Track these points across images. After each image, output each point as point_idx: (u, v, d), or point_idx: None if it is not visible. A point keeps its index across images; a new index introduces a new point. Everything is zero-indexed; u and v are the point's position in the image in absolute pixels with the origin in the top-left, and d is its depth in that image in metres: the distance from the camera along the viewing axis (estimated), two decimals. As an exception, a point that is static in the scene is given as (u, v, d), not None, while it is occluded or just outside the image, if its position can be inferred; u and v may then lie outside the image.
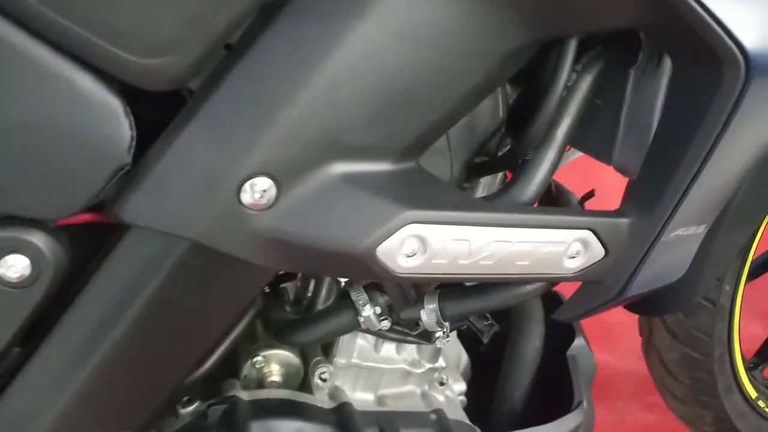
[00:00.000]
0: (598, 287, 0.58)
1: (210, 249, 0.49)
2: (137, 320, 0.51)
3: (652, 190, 0.54)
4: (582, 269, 0.55)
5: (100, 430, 0.55)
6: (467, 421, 0.75)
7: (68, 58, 0.42)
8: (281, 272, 0.75)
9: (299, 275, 0.74)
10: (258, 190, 0.47)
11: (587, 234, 0.54)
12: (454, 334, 0.84)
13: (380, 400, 0.74)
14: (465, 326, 0.69)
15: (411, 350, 0.75)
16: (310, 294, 0.69)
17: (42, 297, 0.48)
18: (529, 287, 0.60)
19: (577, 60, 0.55)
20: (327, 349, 0.73)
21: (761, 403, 1.01)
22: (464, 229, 0.50)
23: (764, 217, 0.83)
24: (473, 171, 0.61)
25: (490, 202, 0.53)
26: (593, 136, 0.63)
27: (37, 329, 0.51)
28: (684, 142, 0.51)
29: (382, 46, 0.46)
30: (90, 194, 0.46)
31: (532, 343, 0.80)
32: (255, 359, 0.70)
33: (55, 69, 0.42)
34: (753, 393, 1.00)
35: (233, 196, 0.46)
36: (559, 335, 0.82)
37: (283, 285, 0.74)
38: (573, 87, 0.54)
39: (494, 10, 0.46)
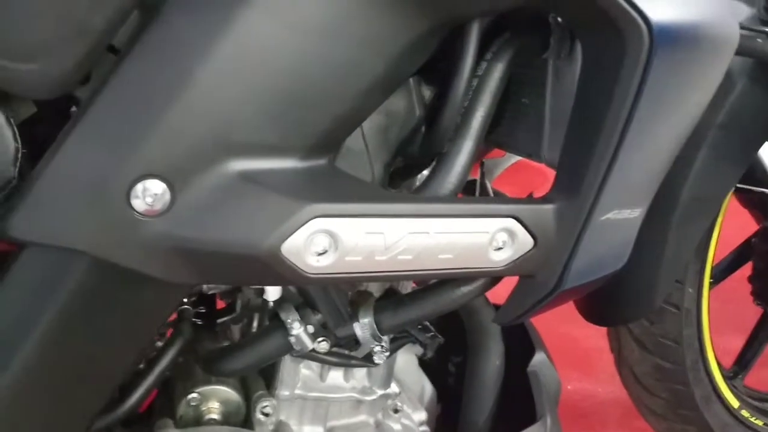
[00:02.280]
0: (533, 282, 0.55)
1: (109, 264, 0.46)
2: (37, 347, 0.48)
3: (574, 173, 0.52)
4: (511, 261, 0.52)
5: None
6: (426, 450, 0.71)
7: None
8: (214, 304, 0.72)
9: (237, 311, 0.71)
10: (150, 194, 0.44)
11: (511, 222, 0.51)
12: (416, 364, 0.81)
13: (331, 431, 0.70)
14: (406, 341, 0.66)
15: (361, 377, 0.71)
16: (242, 323, 0.66)
17: None
18: (466, 288, 0.57)
19: (488, 49, 0.54)
20: (269, 382, 0.70)
21: (745, 413, 0.97)
22: (377, 221, 0.47)
23: (716, 213, 0.82)
24: (397, 174, 0.59)
25: (404, 194, 0.51)
26: (523, 136, 0.62)
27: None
28: (598, 120, 0.50)
29: (271, 37, 0.44)
30: None
31: (492, 363, 0.76)
32: (190, 396, 0.66)
33: None
34: (735, 403, 0.96)
35: (123, 202, 0.44)
36: (521, 351, 0.79)
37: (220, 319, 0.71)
38: (484, 76, 0.53)
39: (377, 5, 0.45)
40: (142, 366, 0.61)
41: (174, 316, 0.66)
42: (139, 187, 0.44)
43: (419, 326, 0.65)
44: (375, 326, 0.59)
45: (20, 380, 0.48)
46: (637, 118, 0.49)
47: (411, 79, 0.56)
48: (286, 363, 0.67)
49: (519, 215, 0.52)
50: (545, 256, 0.53)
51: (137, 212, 0.44)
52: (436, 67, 0.54)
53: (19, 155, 0.44)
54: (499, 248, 0.52)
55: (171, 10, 0.43)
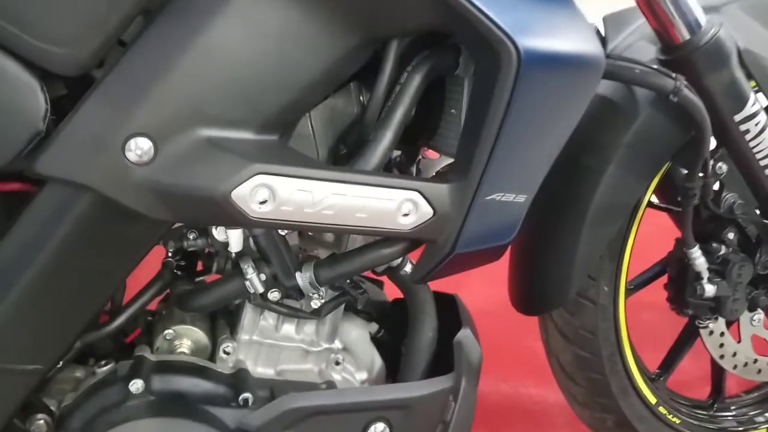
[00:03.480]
0: (434, 246, 0.70)
1: (107, 200, 0.62)
2: (48, 263, 0.64)
3: (464, 162, 0.68)
4: (416, 226, 0.67)
5: (13, 362, 0.66)
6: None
7: None
8: (195, 264, 0.87)
9: (213, 270, 0.86)
10: (139, 148, 0.61)
11: (415, 195, 0.67)
12: (368, 339, 0.95)
13: (279, 373, 0.84)
14: (343, 298, 0.80)
15: (310, 332, 0.86)
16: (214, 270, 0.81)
17: None
18: (388, 249, 0.72)
19: (410, 62, 0.70)
20: (233, 329, 0.84)
21: (662, 409, 1.07)
22: (306, 182, 0.63)
23: (623, 220, 0.95)
24: (339, 158, 0.74)
25: (332, 166, 0.66)
26: (452, 140, 0.77)
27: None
28: (480, 122, 0.66)
29: (236, 37, 0.61)
30: (12, 152, 0.60)
31: (426, 335, 0.89)
32: (166, 332, 0.81)
33: None
34: (652, 399, 1.07)
35: (120, 153, 0.60)
36: (452, 327, 0.92)
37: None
38: (404, 84, 0.69)
39: (320, 17, 0.62)
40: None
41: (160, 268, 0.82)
42: (132, 142, 0.60)
43: (351, 283, 0.80)
44: (314, 277, 0.75)
45: (27, 293, 0.64)
46: (509, 123, 0.65)
47: (352, 84, 0.73)
48: (248, 313, 0.83)
49: (422, 190, 0.67)
50: (442, 224, 0.68)
51: (129, 161, 0.61)
52: (371, 75, 0.71)
53: (48, 114, 0.61)
54: (406, 215, 0.68)
55: (165, 17, 0.60)
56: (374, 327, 0.93)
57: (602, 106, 0.94)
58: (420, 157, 0.84)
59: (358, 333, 0.92)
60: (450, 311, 0.92)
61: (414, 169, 0.82)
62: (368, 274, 0.91)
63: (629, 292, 1.04)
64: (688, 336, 1.11)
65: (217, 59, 0.61)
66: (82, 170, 0.61)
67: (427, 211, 0.68)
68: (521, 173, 0.70)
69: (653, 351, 1.21)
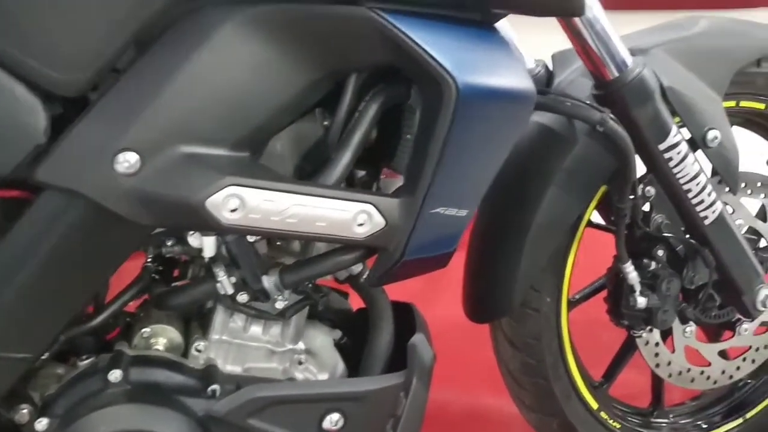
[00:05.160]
0: (386, 253, 0.80)
1: (98, 207, 0.71)
2: (42, 262, 0.73)
3: (412, 178, 0.78)
4: (369, 235, 0.77)
5: (5, 350, 0.73)
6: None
7: (4, 70, 0.67)
8: (172, 270, 0.95)
9: (188, 276, 0.94)
10: (127, 160, 0.70)
11: (369, 207, 0.76)
12: (332, 345, 1.02)
13: (246, 371, 0.92)
14: (306, 302, 0.88)
15: (275, 334, 0.94)
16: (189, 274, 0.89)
17: None
18: (346, 256, 0.82)
19: (368, 92, 0.80)
20: (205, 330, 0.92)
21: (603, 415, 1.16)
22: (272, 193, 0.72)
23: (562, 237, 1.04)
24: (306, 177, 0.83)
25: (296, 180, 0.76)
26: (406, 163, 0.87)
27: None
28: (426, 145, 0.76)
29: (214, 69, 0.71)
30: (14, 162, 0.68)
31: (383, 339, 0.98)
32: (144, 330, 0.89)
33: None
34: (594, 404, 1.15)
35: (110, 164, 0.69)
36: (407, 332, 1.01)
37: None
38: (362, 111, 0.79)
39: (288, 54, 0.72)
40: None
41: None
42: (121, 156, 0.70)
43: (313, 287, 0.88)
44: (279, 281, 0.83)
45: (22, 288, 0.72)
46: (450, 147, 0.75)
47: (317, 110, 0.83)
48: (219, 314, 0.91)
49: (375, 202, 0.77)
50: (392, 234, 0.78)
51: (118, 172, 0.70)
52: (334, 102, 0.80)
53: (48, 129, 0.69)
54: (361, 224, 0.77)
55: (155, 48, 0.70)
56: (338, 334, 1.01)
57: (545, 134, 1.05)
58: (381, 176, 0.93)
59: (322, 339, 1.00)
60: (407, 319, 1.00)
61: (375, 187, 0.92)
62: (333, 284, 1.00)
63: (573, 304, 1.14)
64: (628, 347, 1.20)
65: (198, 86, 0.71)
66: (76, 179, 0.70)
67: (379, 221, 0.77)
68: (462, 190, 0.80)
69: (603, 362, 1.30)
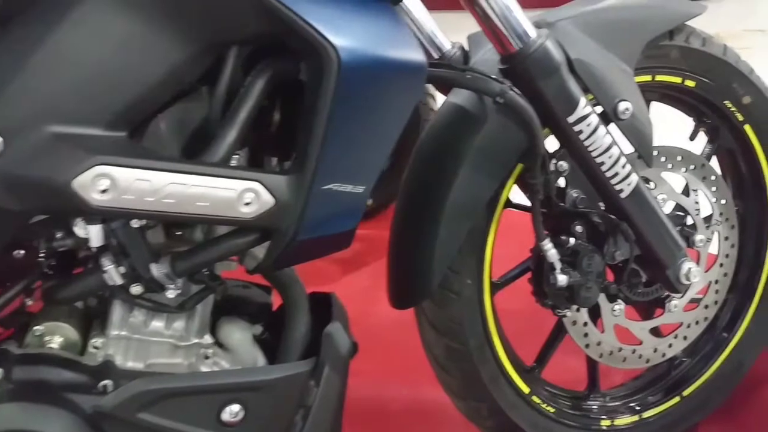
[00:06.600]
0: (279, 234, 0.77)
1: None
2: None
3: (301, 154, 0.75)
4: (258, 214, 0.74)
5: None
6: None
7: None
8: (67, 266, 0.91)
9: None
10: None
11: (256, 185, 0.73)
12: (251, 339, 0.99)
13: (148, 367, 0.88)
14: (206, 292, 0.85)
15: (180, 327, 0.90)
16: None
17: None
18: (240, 239, 0.79)
19: (254, 67, 0.77)
20: (104, 325, 0.88)
21: (536, 399, 1.14)
22: (146, 172, 0.69)
23: (476, 216, 1.02)
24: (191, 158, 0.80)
25: (175, 157, 0.73)
26: None
27: None
28: (312, 119, 0.73)
29: (79, 43, 0.68)
30: None
31: (299, 330, 0.95)
32: (36, 328, 0.84)
33: None
34: (525, 388, 1.13)
35: None
36: (325, 321, 0.98)
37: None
38: (247, 86, 0.76)
39: (160, 26, 0.69)
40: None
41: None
42: None
43: (210, 275, 0.85)
44: (170, 268, 0.79)
45: None
46: (336, 120, 0.72)
47: (204, 88, 0.79)
48: (116, 309, 0.86)
49: (262, 180, 0.74)
50: (283, 212, 0.75)
51: None
52: None
53: None
54: (248, 203, 0.74)
55: (14, 24, 0.66)
56: (258, 329, 0.97)
57: (457, 113, 1.03)
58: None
59: (241, 335, 0.96)
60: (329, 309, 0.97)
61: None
62: (258, 279, 0.97)
63: (498, 286, 1.11)
64: (559, 329, 1.18)
65: (63, 63, 0.68)
66: None
67: (267, 200, 0.74)
68: (354, 166, 0.77)
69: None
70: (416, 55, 0.76)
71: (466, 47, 1.09)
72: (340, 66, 0.70)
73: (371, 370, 1.54)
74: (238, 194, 0.73)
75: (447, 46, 1.09)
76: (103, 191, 0.68)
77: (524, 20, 0.92)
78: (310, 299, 0.97)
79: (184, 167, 0.70)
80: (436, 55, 1.08)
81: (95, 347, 0.86)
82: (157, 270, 0.79)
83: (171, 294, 0.82)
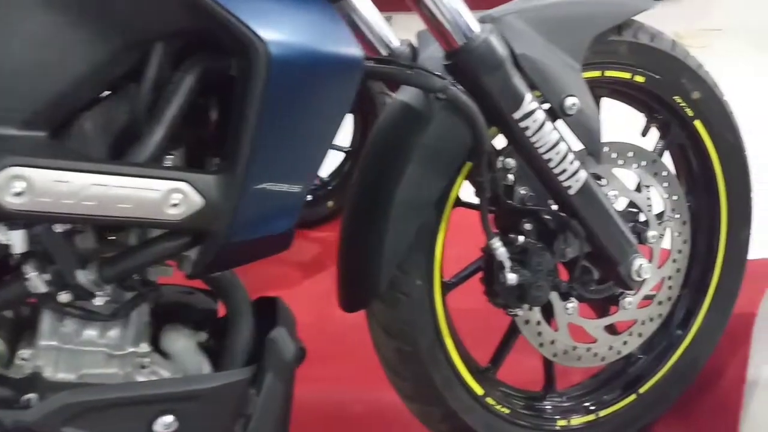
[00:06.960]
0: (210, 236, 0.74)
1: None
2: None
3: (231, 152, 0.72)
4: (186, 216, 0.71)
5: None
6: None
7: None
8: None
9: None
10: None
11: (183, 185, 0.70)
12: (195, 347, 0.96)
13: (81, 378, 0.84)
14: (139, 299, 0.81)
15: (114, 336, 0.86)
16: None
17: None
18: (170, 243, 0.76)
19: (183, 62, 0.74)
20: (33, 335, 0.84)
21: (490, 400, 1.12)
22: (64, 173, 0.66)
23: (425, 216, 1.00)
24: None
25: (97, 158, 0.69)
26: None
27: None
28: (241, 116, 0.70)
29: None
30: None
31: (243, 335, 0.92)
32: (-44, 341, 0.80)
33: None
34: (479, 390, 1.11)
35: None
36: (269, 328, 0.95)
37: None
38: (175, 83, 0.73)
39: (77, 21, 0.65)
40: None
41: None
42: None
43: (141, 281, 0.81)
44: (97, 274, 0.76)
45: None
46: (266, 117, 0.70)
47: (131, 85, 0.76)
48: (45, 318, 0.83)
49: (189, 180, 0.71)
50: (213, 213, 0.72)
51: None
52: None
53: None
54: (175, 204, 0.71)
55: None
56: (203, 336, 0.94)
57: (404, 111, 1.01)
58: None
59: (184, 342, 0.93)
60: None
61: None
62: (200, 284, 0.94)
63: (450, 286, 1.09)
64: (514, 329, 1.16)
65: None
66: None
67: (196, 200, 0.71)
68: (289, 164, 0.74)
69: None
70: (352, 51, 0.74)
71: (415, 44, 1.08)
72: (270, 60, 0.67)
73: (331, 375, 1.52)
74: (163, 195, 0.70)
75: (396, 43, 1.08)
76: (18, 194, 0.65)
77: (468, 15, 0.90)
78: (255, 304, 0.94)
79: (106, 168, 0.67)
80: (384, 53, 1.06)
81: (23, 359, 0.82)
82: (83, 276, 0.75)
83: (100, 301, 0.78)
